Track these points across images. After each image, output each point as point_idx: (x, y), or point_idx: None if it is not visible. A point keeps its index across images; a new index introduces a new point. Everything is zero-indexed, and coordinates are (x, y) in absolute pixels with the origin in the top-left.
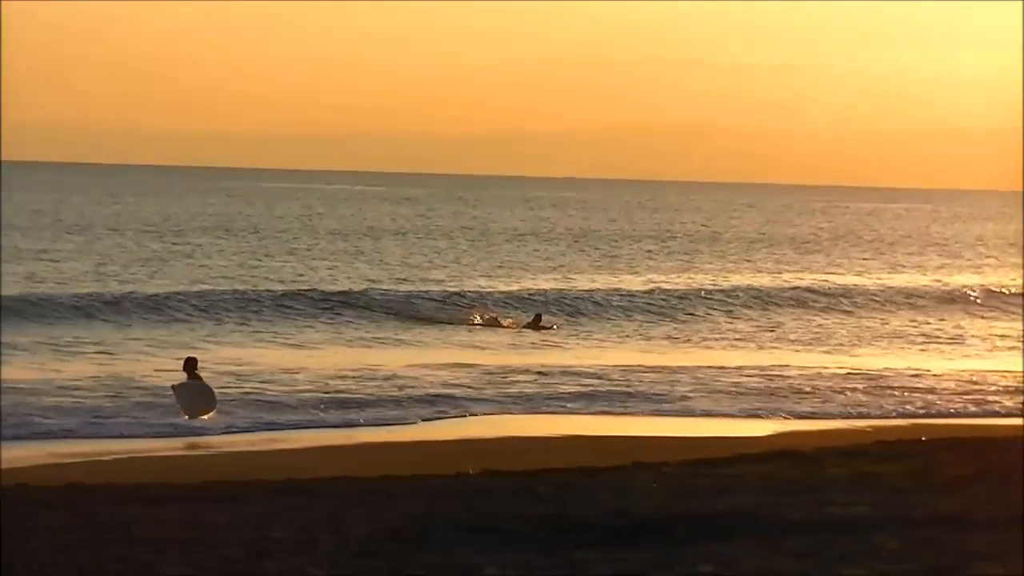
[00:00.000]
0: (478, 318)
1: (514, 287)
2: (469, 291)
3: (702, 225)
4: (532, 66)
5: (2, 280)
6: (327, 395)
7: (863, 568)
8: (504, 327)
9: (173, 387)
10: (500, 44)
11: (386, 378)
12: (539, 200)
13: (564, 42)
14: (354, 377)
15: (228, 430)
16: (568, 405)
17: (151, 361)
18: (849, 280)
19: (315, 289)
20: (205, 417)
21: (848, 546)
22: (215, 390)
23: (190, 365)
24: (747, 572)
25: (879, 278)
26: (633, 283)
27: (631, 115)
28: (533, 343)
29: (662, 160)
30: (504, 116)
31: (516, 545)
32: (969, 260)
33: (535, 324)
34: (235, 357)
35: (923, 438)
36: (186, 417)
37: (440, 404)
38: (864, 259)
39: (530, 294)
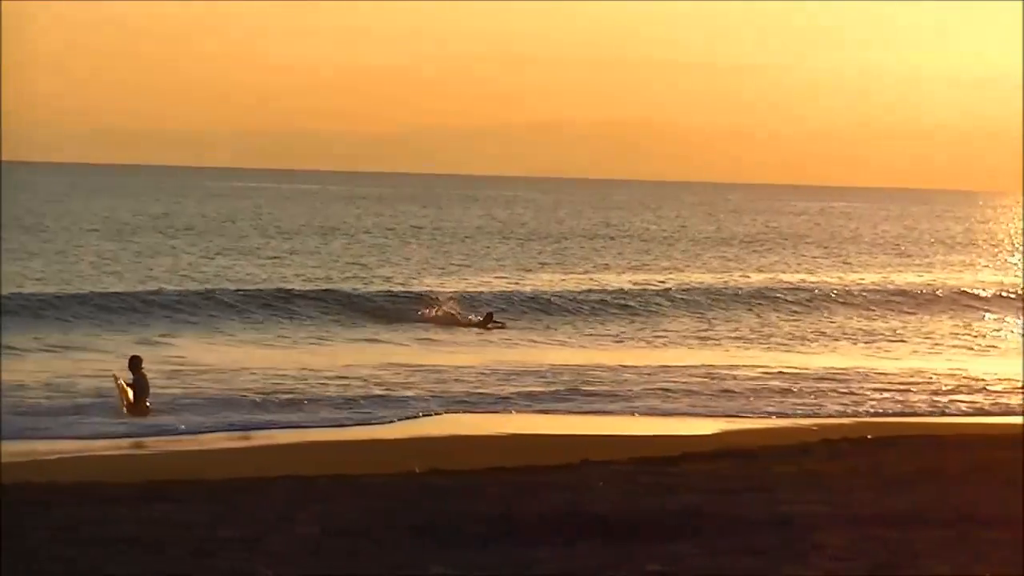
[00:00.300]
0: (434, 312)
1: (462, 285)
2: (420, 290)
3: (652, 224)
4: (483, 63)
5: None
6: (274, 394)
7: (810, 566)
8: (460, 324)
9: (118, 385)
10: (456, 41)
11: (334, 377)
12: (490, 199)
13: (519, 39)
14: (302, 376)
15: (174, 430)
16: (517, 404)
17: (96, 360)
18: (796, 278)
19: (259, 289)
20: (147, 416)
21: (795, 544)
22: (158, 389)
23: (135, 364)
24: (695, 570)
25: (826, 277)
26: (584, 282)
27: (582, 112)
28: (484, 342)
29: (611, 158)
30: (455, 113)
31: (463, 544)
32: (917, 259)
33: (486, 322)
34: (182, 356)
35: (868, 436)
36: (130, 415)
37: (389, 403)
38: (813, 257)
39: (480, 293)
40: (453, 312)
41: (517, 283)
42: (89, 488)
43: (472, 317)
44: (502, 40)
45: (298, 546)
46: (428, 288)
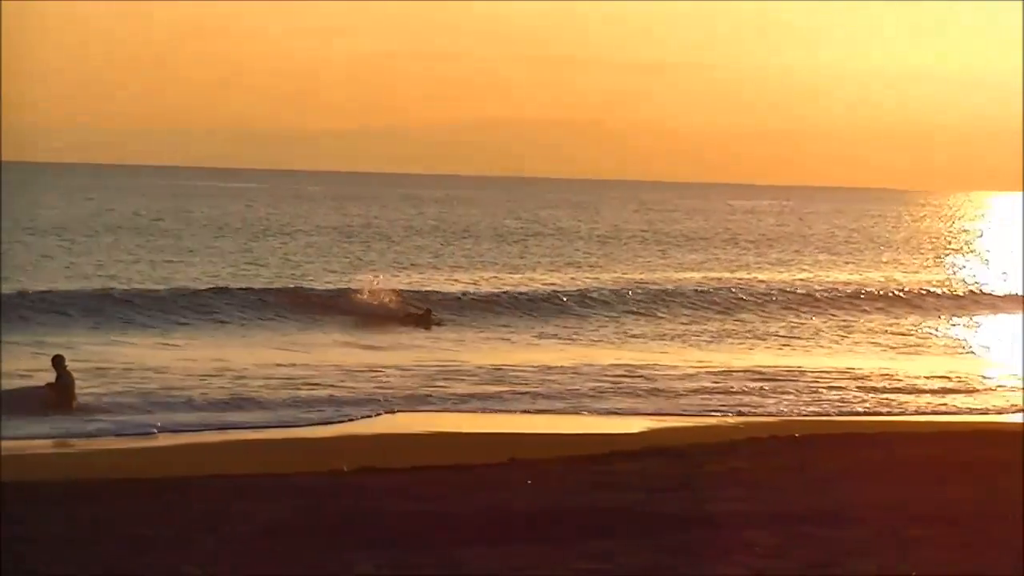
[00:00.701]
0: (372, 304)
1: (395, 283)
2: (356, 287)
3: (583, 222)
4: (397, 61)
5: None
6: (204, 393)
7: (739, 564)
8: (398, 319)
9: (45, 385)
10: (367, 39)
11: (265, 376)
12: (420, 197)
13: (464, 37)
14: (234, 375)
15: (100, 428)
16: (447, 403)
17: (20, 359)
18: (726, 276)
19: (188, 288)
20: (72, 413)
21: (724, 542)
22: (82, 388)
23: (58, 362)
24: (624, 568)
25: (758, 275)
26: (519, 281)
27: (507, 111)
28: (417, 340)
29: (539, 156)
30: (373, 111)
31: (392, 543)
32: (844, 257)
33: (425, 319)
34: (108, 355)
35: (796, 435)
36: (55, 413)
37: (321, 402)
38: (743, 256)
39: (416, 292)
40: (392, 307)
41: (454, 282)
42: (16, 488)
43: (412, 310)
44: (451, 38)
45: (226, 545)
46: (364, 285)
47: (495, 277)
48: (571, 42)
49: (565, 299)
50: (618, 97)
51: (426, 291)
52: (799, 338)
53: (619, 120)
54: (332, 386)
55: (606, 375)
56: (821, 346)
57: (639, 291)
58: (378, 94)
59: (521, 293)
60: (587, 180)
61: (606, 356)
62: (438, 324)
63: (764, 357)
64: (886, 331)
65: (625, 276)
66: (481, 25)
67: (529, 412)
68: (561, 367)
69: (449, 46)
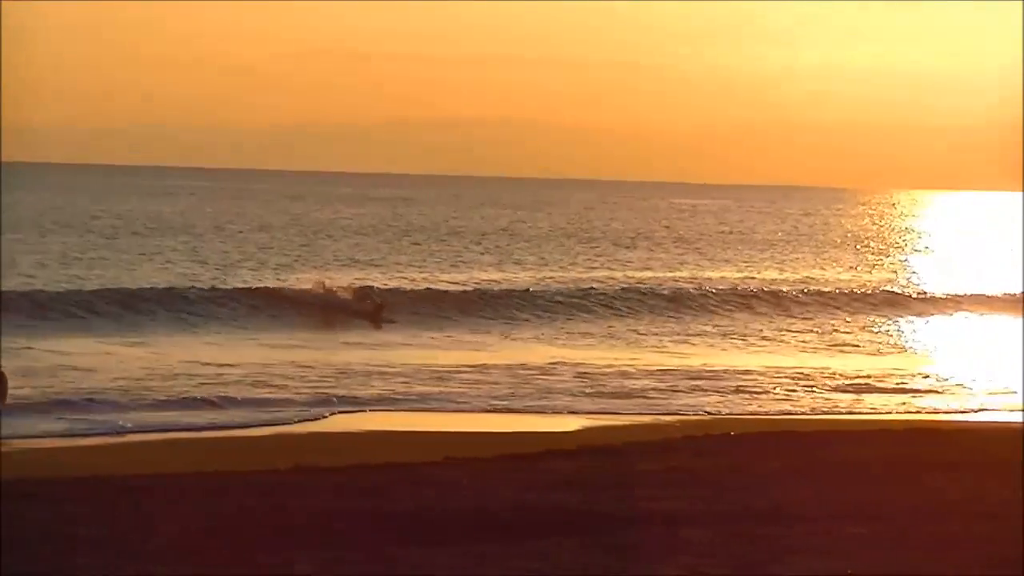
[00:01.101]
0: (319, 295)
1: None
2: (304, 284)
3: (524, 221)
4: (314, 59)
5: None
6: (140, 393)
7: (675, 563)
8: (348, 313)
9: None
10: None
11: (203, 375)
12: (349, 196)
13: (401, 36)
14: (168, 375)
15: (28, 428)
16: (381, 402)
17: None
18: (654, 275)
19: (124, 288)
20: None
21: (660, 541)
22: (17, 389)
23: None
24: (561, 568)
25: (687, 274)
26: (464, 279)
27: (453, 110)
28: (351, 339)
29: (485, 155)
30: (291, 110)
31: (327, 542)
32: (779, 256)
33: (376, 314)
34: (44, 354)
35: (731, 433)
36: None
37: (259, 402)
38: (680, 254)
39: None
40: (344, 303)
41: (393, 280)
42: None
43: (364, 306)
44: (403, 35)
45: (162, 544)
46: (315, 281)
47: (436, 275)
48: (518, 41)
49: (511, 298)
50: (564, 96)
51: (367, 288)
52: (733, 336)
53: (565, 118)
54: (271, 385)
55: (540, 373)
56: (756, 345)
57: (581, 289)
58: (314, 91)
59: (466, 292)
60: (534, 179)
61: (543, 354)
62: (389, 321)
63: (699, 356)
64: (821, 330)
65: (567, 274)
66: (434, 22)
67: (465, 411)
68: (496, 364)
69: (401, 44)
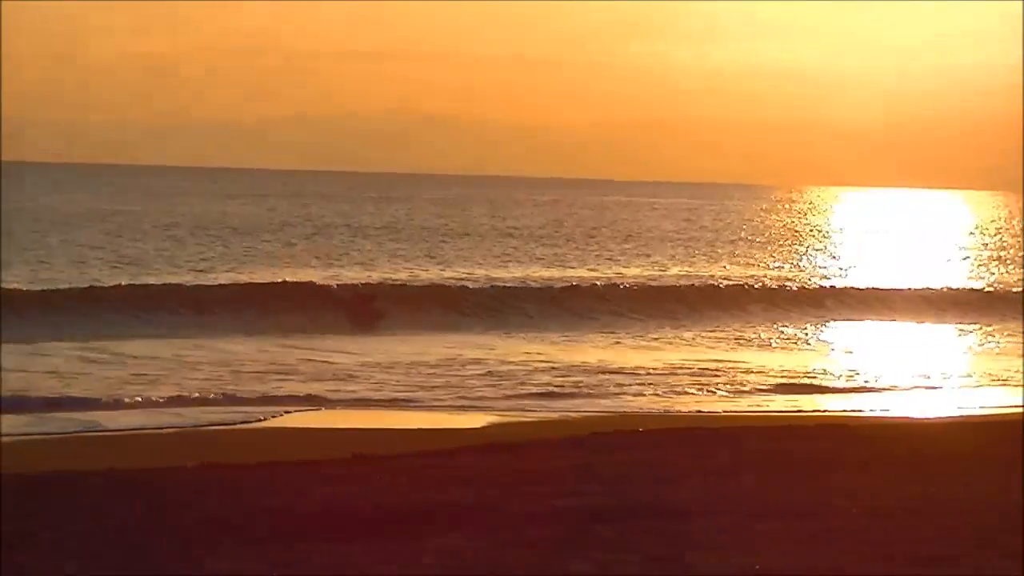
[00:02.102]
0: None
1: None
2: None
3: (437, 219)
4: (227, 56)
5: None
6: (50, 388)
7: (584, 559)
8: (341, 309)
9: None
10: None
11: (148, 373)
12: (270, 193)
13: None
14: (73, 373)
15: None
16: (292, 399)
17: None
18: (571, 274)
19: (74, 286)
20: None
21: (569, 537)
22: None
23: None
24: (471, 564)
25: (591, 272)
26: (380, 277)
27: (361, 105)
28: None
29: (412, 153)
30: (211, 107)
31: (235, 541)
32: (689, 253)
33: (366, 308)
34: None
35: (640, 429)
36: None
37: (170, 398)
38: (585, 250)
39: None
40: (332, 299)
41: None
42: None
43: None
44: (314, 33)
45: (67, 543)
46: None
47: (348, 273)
48: (417, 36)
49: (402, 293)
50: (475, 91)
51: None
52: (643, 334)
53: (477, 115)
54: (182, 380)
55: (448, 370)
56: (666, 341)
57: (492, 286)
58: (212, 88)
59: (397, 287)
60: (446, 175)
61: (455, 351)
62: (377, 316)
63: (609, 352)
64: (730, 327)
65: (476, 271)
66: (330, 18)
67: (374, 408)
68: (403, 362)
69: (308, 42)
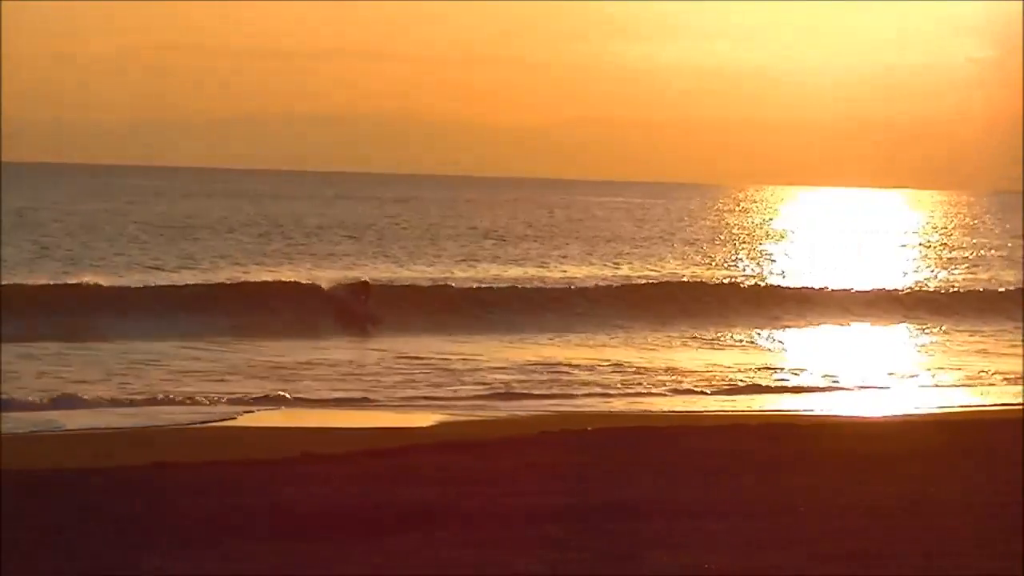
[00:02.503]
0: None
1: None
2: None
3: (387, 218)
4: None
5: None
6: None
7: (535, 558)
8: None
9: None
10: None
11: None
12: (222, 193)
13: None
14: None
15: None
16: (240, 398)
17: None
18: (518, 273)
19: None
20: None
21: (520, 536)
22: None
23: None
24: (421, 564)
25: (537, 270)
26: (328, 275)
27: (309, 105)
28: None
29: (345, 150)
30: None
31: (179, 539)
32: (634, 252)
33: (361, 294)
34: None
35: (588, 428)
36: None
37: (121, 395)
38: (527, 249)
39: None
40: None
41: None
42: None
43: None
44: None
45: (12, 543)
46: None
47: (294, 272)
48: (368, 36)
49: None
50: (426, 90)
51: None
52: (593, 333)
53: (430, 113)
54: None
55: (398, 367)
56: (616, 340)
57: (441, 286)
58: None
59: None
60: (396, 175)
61: (402, 348)
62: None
63: (555, 350)
64: (681, 326)
65: (406, 272)
66: (305, 19)
67: (323, 406)
68: (353, 360)
69: (245, 40)
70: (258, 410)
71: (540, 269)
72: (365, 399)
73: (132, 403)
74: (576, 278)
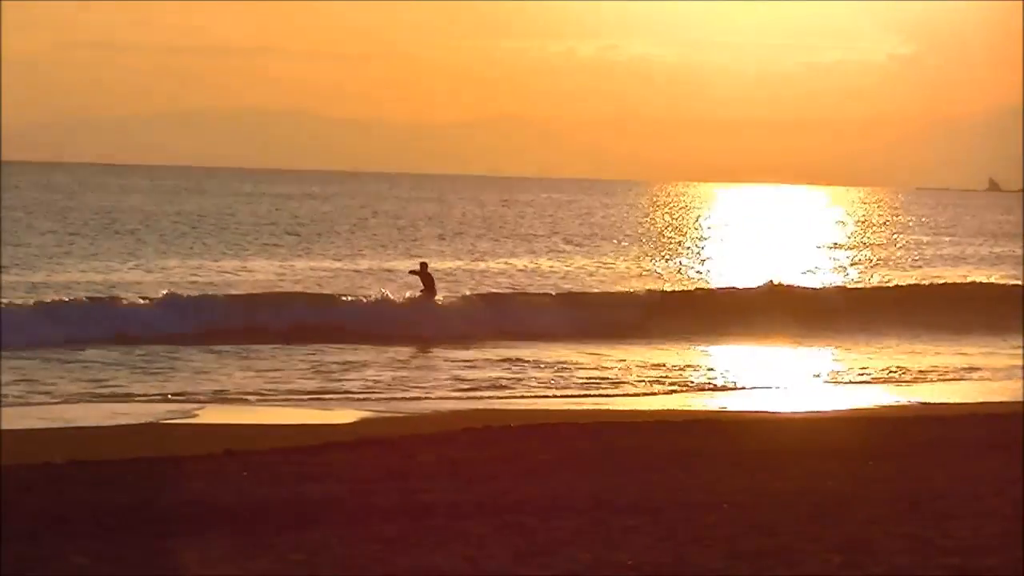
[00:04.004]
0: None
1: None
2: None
3: (277, 211)
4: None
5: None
6: None
7: (450, 554)
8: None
9: None
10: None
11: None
12: (131, 187)
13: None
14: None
15: None
16: (166, 395)
17: None
18: (444, 265)
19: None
20: None
21: (435, 532)
22: None
23: None
24: (335, 560)
25: (456, 264)
26: (263, 271)
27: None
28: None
29: (268, 147)
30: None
31: (102, 534)
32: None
33: (422, 272)
34: None
35: (511, 424)
36: None
37: (37, 392)
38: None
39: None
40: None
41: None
42: None
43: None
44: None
45: None
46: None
47: (213, 264)
48: (283, 33)
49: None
50: (330, 87)
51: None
52: (515, 329)
53: (338, 110)
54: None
55: (320, 366)
56: (544, 338)
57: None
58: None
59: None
60: (298, 171)
61: (328, 347)
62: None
63: (479, 349)
64: (609, 321)
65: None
66: (208, 16)
67: (245, 403)
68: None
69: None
70: (198, 409)
71: (459, 259)
72: (292, 396)
73: (54, 401)
74: (501, 271)
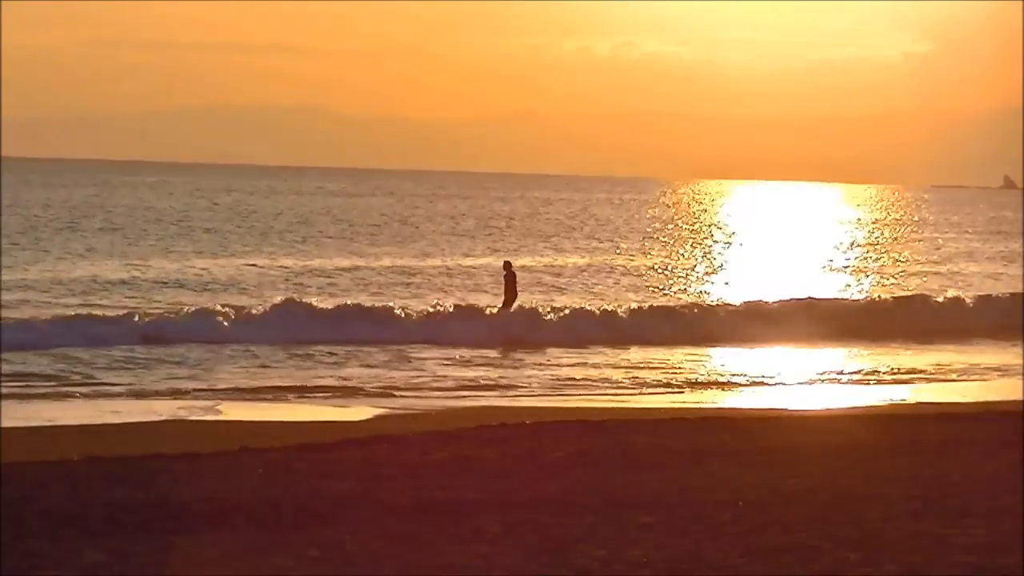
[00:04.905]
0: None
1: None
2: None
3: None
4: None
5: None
6: None
7: (466, 551)
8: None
9: None
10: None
11: None
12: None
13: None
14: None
15: None
16: (176, 391)
17: None
18: (414, 263)
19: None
20: None
21: (451, 529)
22: None
23: None
24: (351, 555)
25: (440, 262)
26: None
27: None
28: None
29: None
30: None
31: (118, 530)
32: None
33: (507, 273)
34: None
35: (527, 422)
36: None
37: (49, 389)
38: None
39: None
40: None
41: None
42: None
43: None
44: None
45: None
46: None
47: (186, 262)
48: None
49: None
50: (346, 84)
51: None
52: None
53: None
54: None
55: (323, 362)
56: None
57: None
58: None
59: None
60: (297, 167)
61: (335, 346)
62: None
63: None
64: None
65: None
66: (206, 14)
67: (259, 400)
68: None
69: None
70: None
71: (448, 256)
72: (301, 394)
73: (71, 397)
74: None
